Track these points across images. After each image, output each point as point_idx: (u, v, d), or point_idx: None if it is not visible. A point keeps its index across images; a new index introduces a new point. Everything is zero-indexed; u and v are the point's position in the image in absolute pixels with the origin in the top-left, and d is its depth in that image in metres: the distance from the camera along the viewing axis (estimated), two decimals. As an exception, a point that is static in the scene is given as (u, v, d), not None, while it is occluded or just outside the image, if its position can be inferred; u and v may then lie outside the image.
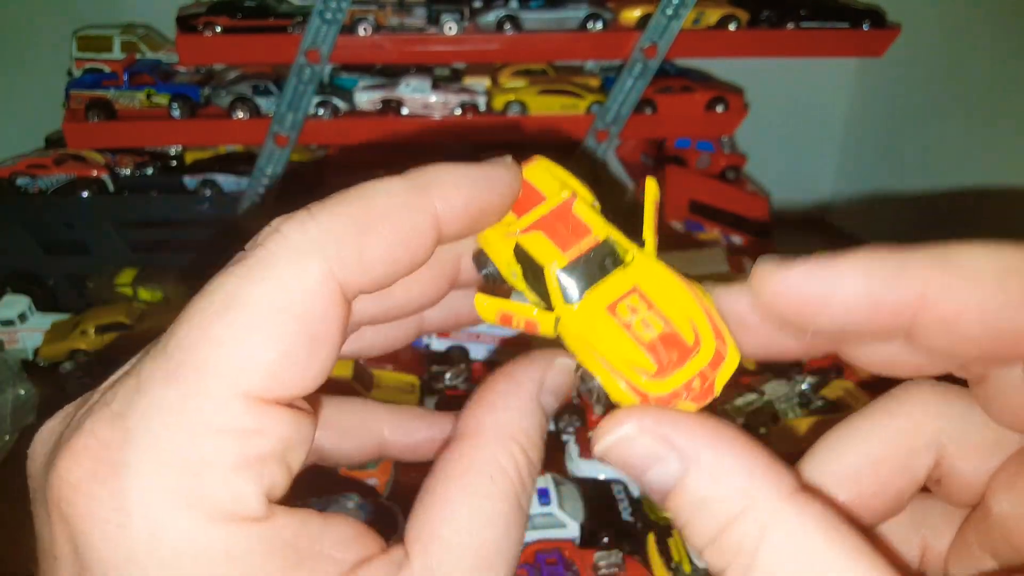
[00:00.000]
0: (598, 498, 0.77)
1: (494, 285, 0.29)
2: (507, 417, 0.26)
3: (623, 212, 0.29)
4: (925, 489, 0.28)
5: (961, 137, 1.24)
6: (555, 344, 0.27)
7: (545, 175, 0.29)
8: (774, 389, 0.86)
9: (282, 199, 1.18)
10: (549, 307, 0.27)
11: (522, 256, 0.27)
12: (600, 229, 0.27)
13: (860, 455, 0.25)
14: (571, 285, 0.26)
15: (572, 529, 0.73)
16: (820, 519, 0.20)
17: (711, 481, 0.21)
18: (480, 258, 0.29)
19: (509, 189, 0.27)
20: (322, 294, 0.22)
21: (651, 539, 0.72)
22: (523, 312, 0.27)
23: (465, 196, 0.25)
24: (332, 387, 0.31)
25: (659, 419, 0.23)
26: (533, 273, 0.27)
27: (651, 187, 0.29)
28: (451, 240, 0.26)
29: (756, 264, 0.24)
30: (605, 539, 0.73)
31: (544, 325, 0.27)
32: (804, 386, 0.87)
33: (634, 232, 0.28)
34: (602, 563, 0.69)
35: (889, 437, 0.26)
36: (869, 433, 0.26)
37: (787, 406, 0.84)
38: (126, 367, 0.24)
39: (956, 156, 1.25)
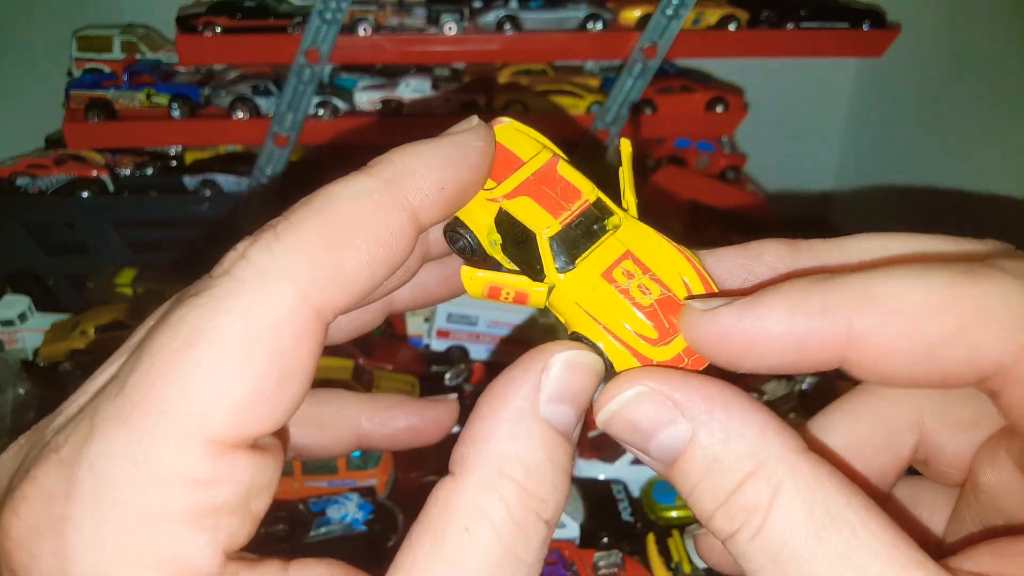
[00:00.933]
0: (598, 498, 0.77)
1: (469, 258, 0.27)
2: (491, 448, 0.21)
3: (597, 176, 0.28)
4: (916, 473, 0.28)
5: (961, 137, 1.24)
6: (549, 335, 0.26)
7: (516, 136, 0.27)
8: (774, 389, 0.86)
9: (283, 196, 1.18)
10: (537, 276, 0.25)
11: (507, 223, 0.26)
12: (589, 190, 0.26)
13: (844, 437, 0.26)
14: (563, 252, 0.25)
15: (572, 529, 0.73)
16: (831, 477, 0.20)
17: (723, 440, 0.21)
18: (456, 228, 0.26)
19: (483, 159, 0.25)
20: (294, 324, 0.21)
21: (651, 539, 0.72)
22: (513, 284, 0.25)
23: (439, 179, 0.23)
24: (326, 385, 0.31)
25: (666, 379, 0.22)
26: (517, 241, 0.26)
27: (625, 147, 0.27)
28: (433, 225, 0.24)
29: (683, 306, 0.24)
30: (605, 539, 0.73)
31: (536, 295, 0.25)
32: (804, 386, 0.87)
33: (613, 195, 0.27)
34: (602, 563, 0.69)
35: (871, 419, 0.26)
36: (852, 416, 0.26)
37: (787, 407, 0.84)
38: (79, 397, 0.22)
39: (956, 156, 1.25)
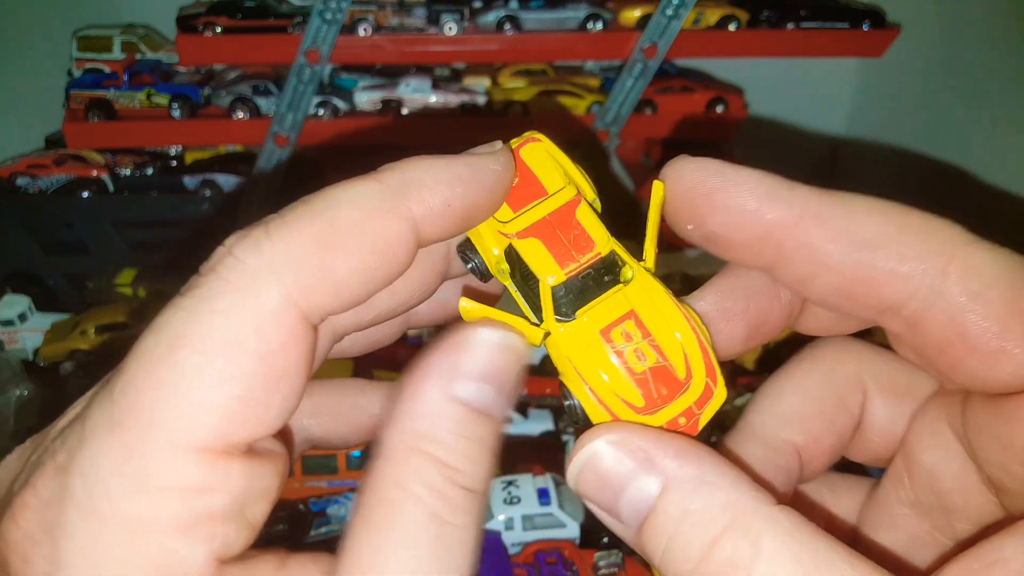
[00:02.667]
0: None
1: (481, 278, 0.26)
2: (406, 427, 0.21)
3: (621, 211, 0.28)
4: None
5: (961, 136, 1.24)
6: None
7: (546, 160, 0.26)
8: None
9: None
10: (538, 317, 0.25)
11: (515, 258, 0.25)
12: (603, 242, 0.25)
13: (802, 397, 0.26)
14: (566, 301, 0.24)
15: (572, 529, 0.73)
16: (810, 528, 0.19)
17: (694, 494, 0.20)
18: (466, 250, 0.26)
19: (499, 185, 0.24)
20: (280, 325, 0.20)
21: (651, 539, 0.72)
22: (509, 323, 0.24)
23: (446, 195, 0.23)
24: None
25: (635, 431, 0.22)
26: (524, 276, 0.25)
27: (657, 191, 0.25)
28: (435, 242, 0.24)
29: (671, 161, 0.24)
30: (605, 539, 0.73)
31: (531, 336, 0.24)
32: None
33: (634, 236, 0.26)
34: (602, 563, 0.69)
35: (822, 377, 0.26)
36: (804, 375, 0.26)
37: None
38: (81, 402, 0.23)
39: (956, 156, 1.25)
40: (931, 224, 0.21)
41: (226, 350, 0.20)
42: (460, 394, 0.22)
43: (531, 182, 0.25)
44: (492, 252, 0.25)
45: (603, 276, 0.25)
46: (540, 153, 0.26)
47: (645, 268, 0.25)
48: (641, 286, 0.25)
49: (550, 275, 0.24)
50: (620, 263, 0.25)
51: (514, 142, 0.26)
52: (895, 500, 0.26)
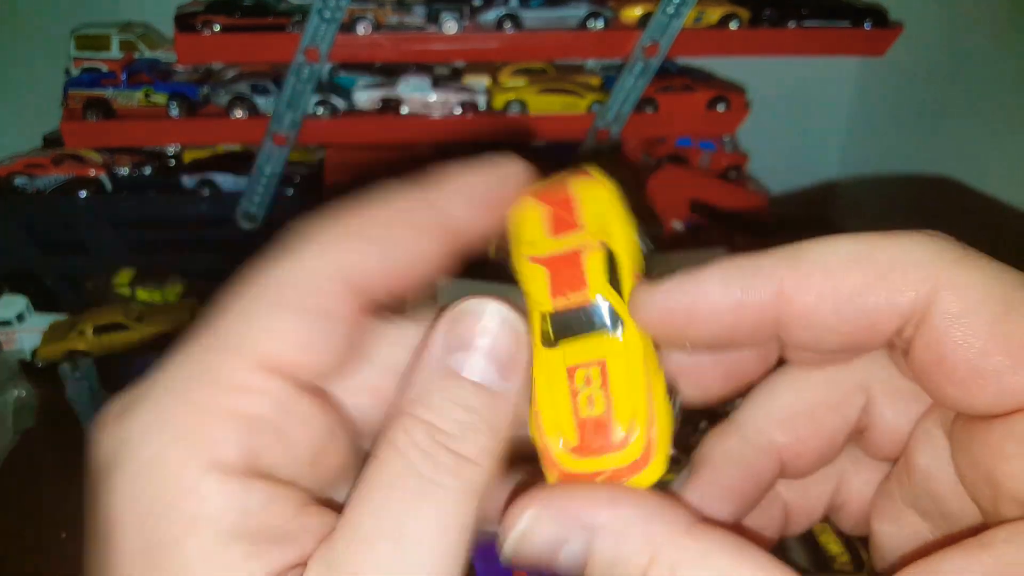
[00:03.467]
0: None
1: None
2: (404, 392, 0.23)
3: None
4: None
5: (963, 136, 1.23)
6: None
7: (597, 198, 0.27)
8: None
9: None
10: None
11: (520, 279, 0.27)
12: (595, 288, 0.25)
13: (795, 397, 0.26)
14: (555, 329, 0.25)
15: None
16: (721, 547, 0.20)
17: (616, 540, 0.21)
18: (503, 252, 0.28)
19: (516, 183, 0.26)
20: (338, 292, 0.23)
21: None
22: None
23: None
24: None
25: (553, 496, 0.22)
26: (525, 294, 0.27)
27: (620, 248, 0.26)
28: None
29: (633, 291, 0.25)
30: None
31: None
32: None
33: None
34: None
35: (821, 380, 0.26)
36: (803, 377, 0.26)
37: None
38: None
39: (958, 156, 1.25)
40: (914, 249, 0.21)
41: (290, 290, 0.23)
42: (453, 363, 0.23)
43: (569, 212, 0.27)
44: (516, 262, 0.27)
45: (592, 319, 0.25)
46: (593, 189, 0.27)
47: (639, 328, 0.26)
48: (625, 341, 0.25)
49: (539, 304, 0.25)
50: (610, 313, 0.25)
51: (568, 175, 0.27)
52: (899, 497, 0.26)
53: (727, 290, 0.22)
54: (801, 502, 0.28)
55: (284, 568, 0.21)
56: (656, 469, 0.24)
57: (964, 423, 0.22)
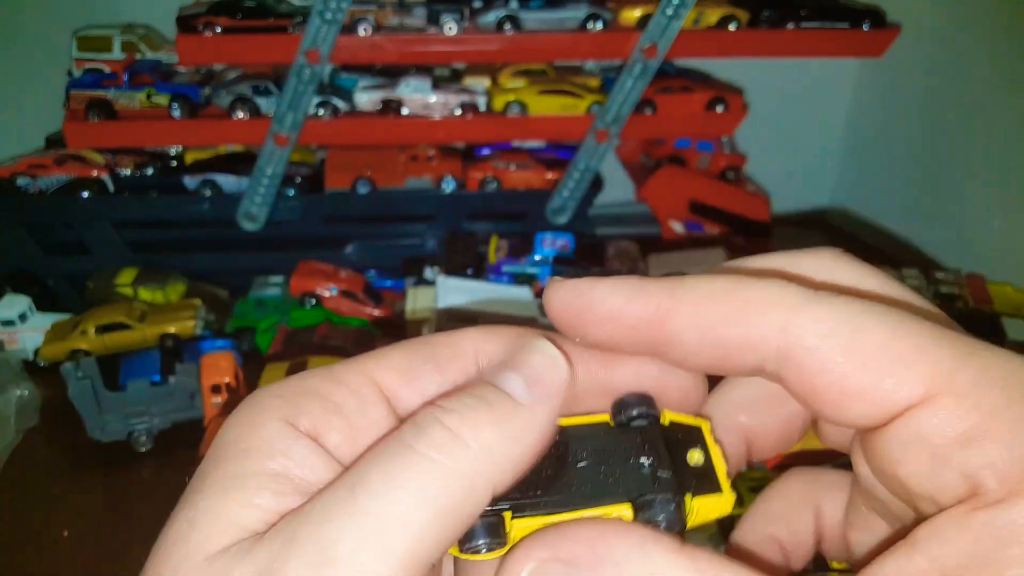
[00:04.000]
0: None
1: None
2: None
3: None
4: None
5: (962, 137, 1.24)
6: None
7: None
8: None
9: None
10: None
11: None
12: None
13: (757, 385, 0.27)
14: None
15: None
16: (711, 560, 0.21)
17: (619, 570, 0.21)
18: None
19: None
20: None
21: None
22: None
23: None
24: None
25: (547, 541, 0.22)
26: None
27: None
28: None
29: (547, 282, 0.26)
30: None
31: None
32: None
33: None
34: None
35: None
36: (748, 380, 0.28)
37: None
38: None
39: (957, 156, 1.25)
40: (773, 290, 0.23)
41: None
42: (488, 374, 0.24)
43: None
44: None
45: None
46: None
47: None
48: None
49: None
50: None
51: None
52: (862, 504, 0.27)
53: (612, 300, 0.25)
54: (791, 538, 0.30)
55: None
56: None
57: (862, 437, 0.24)
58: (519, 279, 1.10)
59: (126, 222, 1.18)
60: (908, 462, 0.21)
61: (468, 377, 0.26)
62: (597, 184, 1.24)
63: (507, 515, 0.23)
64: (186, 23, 1.11)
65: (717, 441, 0.26)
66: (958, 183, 1.24)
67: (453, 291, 1.01)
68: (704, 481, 0.25)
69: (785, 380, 0.23)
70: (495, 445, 0.22)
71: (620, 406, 0.26)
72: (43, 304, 1.08)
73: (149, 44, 1.21)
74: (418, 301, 1.05)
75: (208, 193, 1.18)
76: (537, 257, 1.14)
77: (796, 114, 1.45)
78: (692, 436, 0.26)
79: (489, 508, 0.23)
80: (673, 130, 1.28)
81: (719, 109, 1.23)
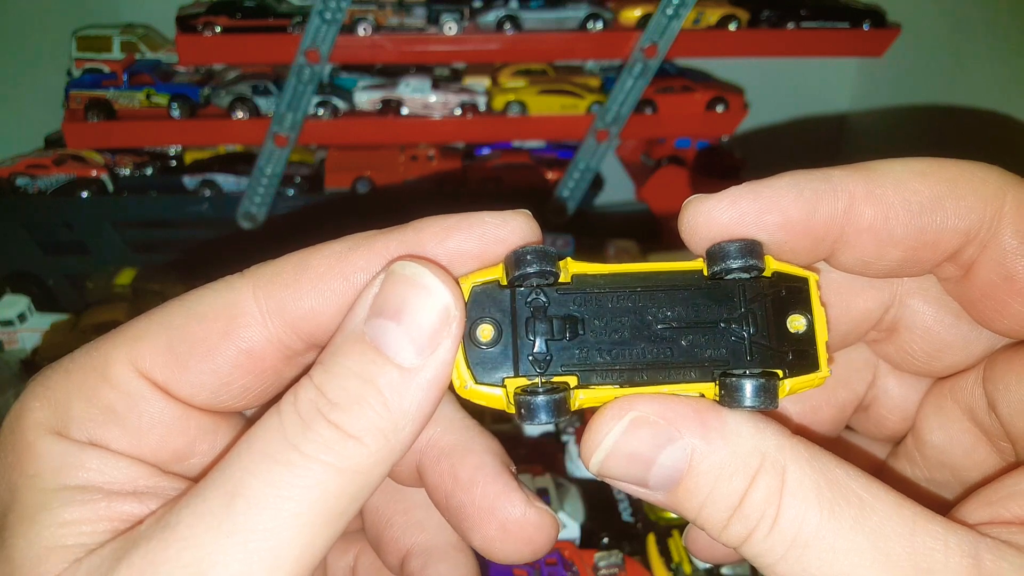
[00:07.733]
0: (598, 498, 0.77)
1: None
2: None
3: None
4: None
5: (961, 137, 1.24)
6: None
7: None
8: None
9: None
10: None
11: None
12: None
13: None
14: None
15: (572, 530, 0.73)
16: (825, 455, 0.20)
17: (726, 445, 0.20)
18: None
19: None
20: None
21: (651, 539, 0.72)
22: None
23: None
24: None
25: (653, 402, 0.21)
26: None
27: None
28: None
29: (689, 201, 0.23)
30: (605, 539, 0.73)
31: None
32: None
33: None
34: (602, 564, 0.69)
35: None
36: None
37: None
38: None
39: (956, 155, 1.25)
40: (979, 173, 0.22)
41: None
42: (369, 328, 0.21)
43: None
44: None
45: None
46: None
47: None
48: None
49: None
50: None
51: None
52: (912, 475, 0.27)
53: (799, 198, 0.22)
54: (832, 402, 0.28)
55: (118, 518, 0.21)
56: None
57: (1015, 356, 0.23)
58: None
59: (125, 222, 1.17)
60: None
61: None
62: (597, 184, 1.24)
63: (572, 381, 0.21)
64: (186, 23, 1.11)
65: (823, 303, 0.22)
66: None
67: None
68: (802, 357, 0.22)
69: (977, 268, 0.21)
70: (390, 431, 0.20)
71: (718, 254, 0.22)
72: (42, 304, 1.08)
73: (149, 44, 1.21)
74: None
75: (208, 193, 1.18)
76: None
77: (796, 113, 1.45)
78: (796, 294, 0.22)
79: (549, 380, 0.21)
80: (673, 130, 1.27)
81: (719, 109, 1.23)
